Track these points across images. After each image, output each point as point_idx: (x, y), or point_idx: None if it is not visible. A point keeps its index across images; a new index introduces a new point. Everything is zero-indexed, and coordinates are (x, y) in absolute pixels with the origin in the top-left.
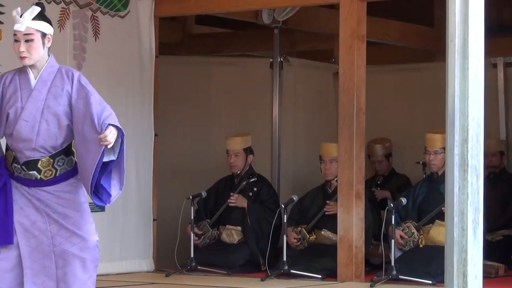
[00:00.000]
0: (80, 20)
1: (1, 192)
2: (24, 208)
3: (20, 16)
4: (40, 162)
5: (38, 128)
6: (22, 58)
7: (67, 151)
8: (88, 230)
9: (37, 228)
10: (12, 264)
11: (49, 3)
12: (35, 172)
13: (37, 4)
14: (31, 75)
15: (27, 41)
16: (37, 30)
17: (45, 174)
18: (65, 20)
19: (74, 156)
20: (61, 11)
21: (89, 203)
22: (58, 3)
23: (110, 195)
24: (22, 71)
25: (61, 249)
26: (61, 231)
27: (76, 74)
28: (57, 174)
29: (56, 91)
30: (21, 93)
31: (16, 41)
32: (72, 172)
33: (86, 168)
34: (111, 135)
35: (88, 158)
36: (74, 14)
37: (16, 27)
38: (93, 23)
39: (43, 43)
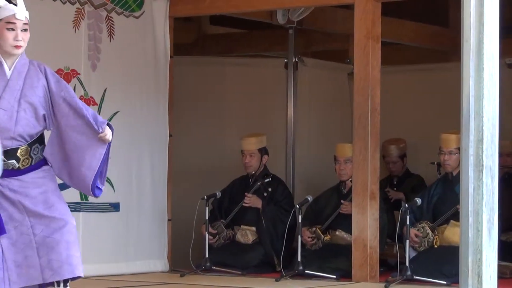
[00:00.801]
0: (95, 21)
1: None
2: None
3: (16, 5)
4: (19, 151)
5: (16, 117)
6: (18, 47)
7: (40, 139)
8: (67, 213)
9: (15, 220)
10: None
11: (64, 3)
12: (14, 161)
13: None
14: (5, 66)
15: (23, 30)
16: (28, 20)
17: (23, 163)
18: (80, 20)
19: (45, 145)
20: (76, 11)
21: (103, 203)
22: (73, 4)
23: (101, 189)
24: None
25: (43, 237)
26: (40, 219)
27: (48, 68)
28: (33, 163)
29: (32, 82)
30: None
31: (10, 29)
32: (45, 160)
33: (85, 159)
34: (109, 134)
35: (86, 151)
36: (89, 14)
37: (18, 15)
38: (108, 24)
39: None
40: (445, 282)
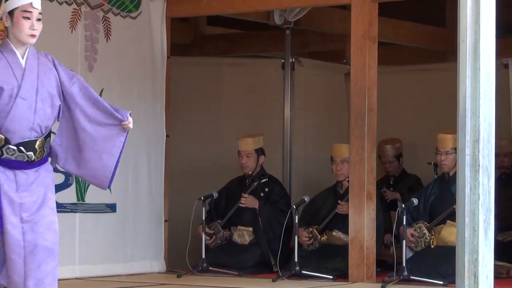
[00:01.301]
0: (91, 21)
1: None
2: None
3: None
4: (37, 143)
5: (35, 107)
6: (33, 36)
7: (50, 132)
8: (57, 222)
9: (9, 222)
10: None
11: (60, 4)
12: (31, 153)
13: None
14: (19, 55)
15: (37, 20)
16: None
17: (38, 156)
18: (77, 21)
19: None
20: (72, 12)
21: (99, 204)
22: (70, 4)
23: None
24: (6, 49)
25: (33, 244)
26: (33, 226)
27: (54, 58)
28: (43, 156)
29: (46, 72)
30: (13, 71)
31: (26, 18)
32: (49, 154)
33: (105, 148)
34: (131, 122)
35: (106, 141)
36: (85, 15)
37: (35, 4)
38: (104, 24)
39: None
40: (441, 282)
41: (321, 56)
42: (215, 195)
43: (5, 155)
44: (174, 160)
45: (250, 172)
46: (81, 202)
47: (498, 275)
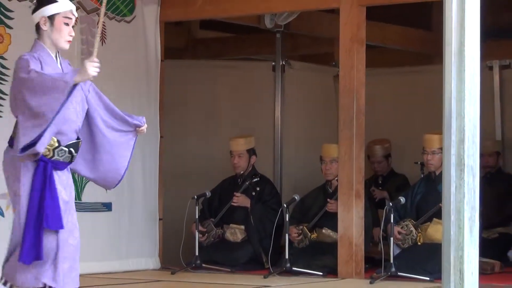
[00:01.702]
0: (87, 25)
1: (44, 177)
2: None
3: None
4: (79, 144)
5: (76, 110)
6: (70, 42)
7: None
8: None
9: None
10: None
11: None
12: (76, 154)
13: None
14: (54, 58)
15: (72, 26)
16: None
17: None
18: None
19: None
20: None
21: (95, 203)
22: None
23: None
24: (44, 53)
25: (67, 245)
26: (67, 224)
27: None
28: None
29: None
30: None
31: (66, 24)
32: None
33: (119, 151)
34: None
35: (120, 145)
36: (81, 19)
37: (74, 12)
38: None
39: None
40: (428, 278)
41: (311, 59)
42: (208, 194)
43: (56, 156)
44: (168, 161)
45: (242, 172)
46: (77, 201)
47: (483, 271)
